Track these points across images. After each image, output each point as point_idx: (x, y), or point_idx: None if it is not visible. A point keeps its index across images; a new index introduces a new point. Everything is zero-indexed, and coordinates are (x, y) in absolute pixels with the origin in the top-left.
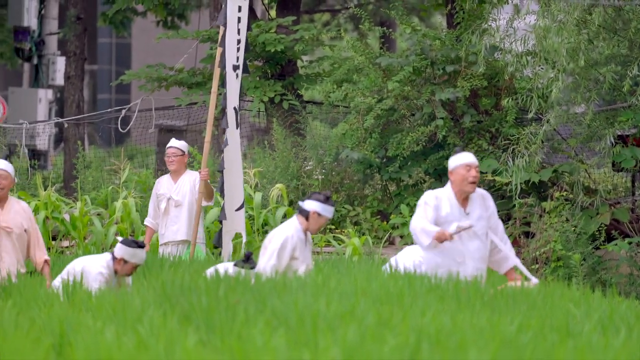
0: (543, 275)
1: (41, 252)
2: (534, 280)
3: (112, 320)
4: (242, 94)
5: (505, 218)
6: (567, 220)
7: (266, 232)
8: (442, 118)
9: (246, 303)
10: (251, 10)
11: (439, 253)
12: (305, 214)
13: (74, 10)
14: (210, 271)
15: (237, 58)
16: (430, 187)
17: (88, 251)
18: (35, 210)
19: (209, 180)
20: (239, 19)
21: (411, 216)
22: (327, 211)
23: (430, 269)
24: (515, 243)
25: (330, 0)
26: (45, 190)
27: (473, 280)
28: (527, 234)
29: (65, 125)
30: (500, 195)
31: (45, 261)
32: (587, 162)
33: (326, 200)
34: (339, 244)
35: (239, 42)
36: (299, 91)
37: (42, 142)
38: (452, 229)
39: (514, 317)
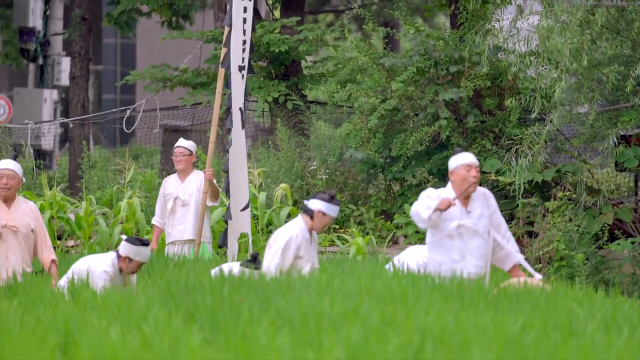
0: (546, 274)
1: (48, 251)
2: (538, 276)
3: (117, 319)
4: (246, 94)
5: (509, 218)
6: (570, 220)
7: (270, 232)
8: (446, 118)
9: (250, 302)
10: (255, 11)
11: (440, 250)
12: (310, 213)
13: (78, 10)
14: (215, 271)
15: (243, 59)
16: (434, 187)
17: (93, 250)
18: (41, 210)
19: (214, 180)
20: (245, 20)
21: None
22: (332, 210)
23: (434, 268)
24: (518, 243)
25: (334, 0)
26: (50, 190)
27: (476, 279)
28: (531, 234)
29: (71, 126)
30: (503, 195)
31: (52, 261)
32: (590, 162)
33: (331, 199)
34: (343, 244)
35: (244, 42)
36: (303, 91)
37: (48, 142)
38: (453, 225)
39: (518, 316)
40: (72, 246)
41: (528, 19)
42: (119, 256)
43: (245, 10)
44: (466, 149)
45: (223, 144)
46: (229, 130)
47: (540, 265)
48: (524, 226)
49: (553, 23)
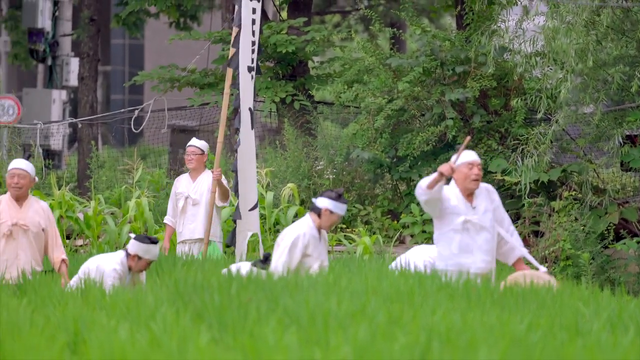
0: (552, 274)
1: (59, 251)
2: (542, 268)
3: (125, 318)
4: (254, 95)
5: (515, 217)
6: (576, 219)
7: (278, 232)
8: (452, 118)
9: (258, 301)
10: (262, 12)
11: (445, 244)
12: (317, 211)
13: (87, 11)
14: (225, 271)
15: (252, 60)
16: None
17: (102, 250)
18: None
19: (223, 180)
20: (253, 21)
21: (421, 216)
22: (339, 208)
23: (443, 262)
24: (524, 242)
25: (340, 1)
26: (59, 189)
27: (483, 278)
28: (537, 233)
29: (79, 126)
30: (509, 194)
31: (63, 260)
32: (595, 162)
33: (338, 197)
34: (350, 243)
35: (253, 43)
36: (310, 92)
37: (56, 142)
38: (459, 220)
39: (524, 315)
40: (80, 245)
41: (534, 19)
42: (128, 254)
43: (254, 11)
44: (472, 148)
45: (231, 144)
46: (237, 130)
47: (546, 265)
48: (530, 226)
49: (559, 24)
